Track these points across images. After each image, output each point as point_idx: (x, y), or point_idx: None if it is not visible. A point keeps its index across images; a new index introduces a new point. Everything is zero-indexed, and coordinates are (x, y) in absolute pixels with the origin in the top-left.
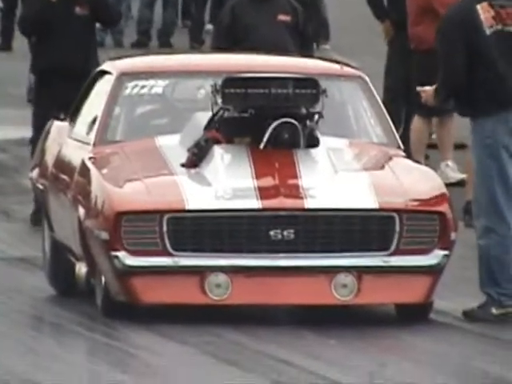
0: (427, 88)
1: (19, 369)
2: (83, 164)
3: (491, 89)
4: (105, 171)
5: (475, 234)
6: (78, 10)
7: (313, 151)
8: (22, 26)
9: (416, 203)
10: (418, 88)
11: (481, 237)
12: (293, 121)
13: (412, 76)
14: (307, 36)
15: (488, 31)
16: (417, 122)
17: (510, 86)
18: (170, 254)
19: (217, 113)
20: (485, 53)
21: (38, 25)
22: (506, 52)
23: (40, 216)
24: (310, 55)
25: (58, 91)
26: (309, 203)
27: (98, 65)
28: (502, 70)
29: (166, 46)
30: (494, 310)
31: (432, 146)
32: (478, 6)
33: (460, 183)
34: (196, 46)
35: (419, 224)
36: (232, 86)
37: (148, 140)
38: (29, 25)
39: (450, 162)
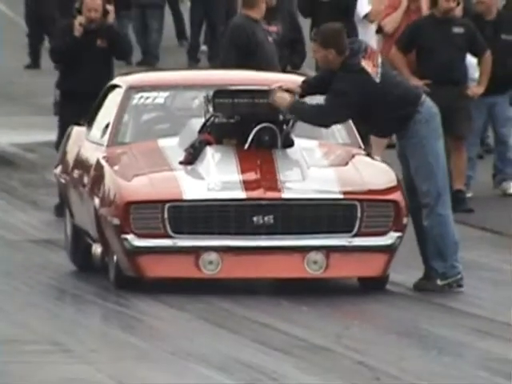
0: None
1: (45, 331)
2: (98, 162)
3: None
4: (116, 168)
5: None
6: (98, 42)
7: (288, 151)
8: (53, 57)
9: (374, 193)
10: None
11: (426, 218)
12: (272, 125)
13: None
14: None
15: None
16: None
17: None
18: (170, 237)
19: (209, 119)
20: None
21: (65, 56)
22: None
23: (63, 209)
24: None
25: (79, 107)
26: (285, 194)
27: None
28: None
29: (149, 65)
30: (438, 282)
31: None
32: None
33: None
34: (193, 64)
35: (377, 210)
36: (221, 96)
37: (151, 142)
38: (58, 56)
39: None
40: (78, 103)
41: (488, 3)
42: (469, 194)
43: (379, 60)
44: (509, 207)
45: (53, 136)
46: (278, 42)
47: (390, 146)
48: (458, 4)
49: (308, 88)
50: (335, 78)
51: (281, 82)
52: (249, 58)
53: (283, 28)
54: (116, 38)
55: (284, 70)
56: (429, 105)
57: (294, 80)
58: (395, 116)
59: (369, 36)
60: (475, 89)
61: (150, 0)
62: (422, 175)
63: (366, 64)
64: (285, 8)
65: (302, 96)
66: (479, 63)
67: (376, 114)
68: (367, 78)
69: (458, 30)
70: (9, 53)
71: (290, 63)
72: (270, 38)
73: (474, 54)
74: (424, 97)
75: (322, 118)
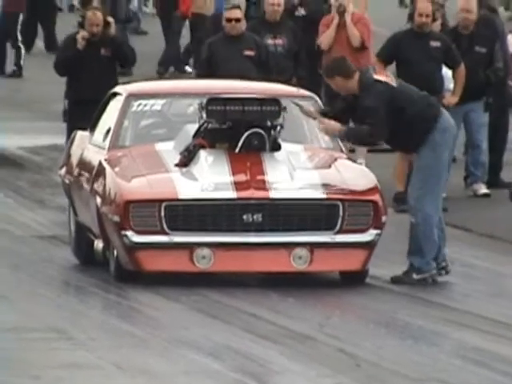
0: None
1: (50, 320)
2: (100, 164)
3: None
4: (116, 169)
5: (402, 217)
6: (102, 51)
7: (276, 154)
8: (57, 70)
9: (355, 194)
10: None
11: (413, 215)
12: (260, 131)
13: None
14: (267, 65)
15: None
16: None
17: None
18: (166, 233)
19: (202, 125)
20: None
21: (68, 68)
22: None
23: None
24: (270, 79)
25: (85, 114)
26: (273, 194)
27: None
28: None
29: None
30: (414, 276)
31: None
32: None
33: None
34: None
35: (357, 210)
36: (214, 104)
37: (149, 145)
38: (61, 68)
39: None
40: (84, 109)
41: (471, 18)
42: (443, 195)
43: (389, 73)
44: (479, 207)
45: (57, 140)
46: (284, 54)
47: (370, 151)
48: (435, 20)
49: (334, 109)
50: (359, 99)
51: (268, 90)
52: (213, 73)
53: (288, 41)
54: (119, 47)
55: (289, 81)
56: (446, 116)
57: (280, 88)
58: (418, 129)
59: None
60: (450, 98)
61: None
62: (420, 175)
63: (379, 76)
64: (288, 23)
65: (326, 115)
66: (454, 75)
67: (401, 127)
68: (385, 85)
69: (435, 43)
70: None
71: (296, 75)
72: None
73: (449, 67)
74: (442, 109)
75: (374, 136)
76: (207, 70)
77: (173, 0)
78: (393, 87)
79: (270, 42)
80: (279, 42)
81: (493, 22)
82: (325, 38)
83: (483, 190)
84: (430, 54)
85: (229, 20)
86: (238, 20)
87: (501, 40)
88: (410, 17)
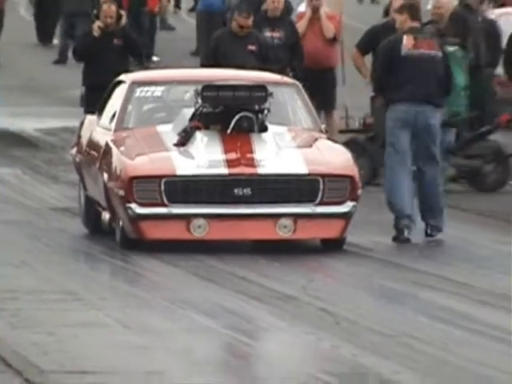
0: None
1: (63, 283)
2: (107, 144)
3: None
4: (122, 149)
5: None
6: (115, 41)
7: (263, 135)
8: (75, 57)
9: (334, 170)
10: None
11: (415, 178)
12: (249, 114)
13: None
14: (267, 58)
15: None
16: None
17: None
18: (165, 205)
19: (198, 109)
20: None
21: (85, 55)
22: None
23: None
24: (268, 69)
25: (100, 97)
26: (261, 170)
27: None
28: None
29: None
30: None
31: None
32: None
33: None
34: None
35: (336, 184)
36: (208, 90)
37: (151, 127)
38: (79, 56)
39: None
40: (99, 94)
41: (443, 13)
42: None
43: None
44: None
45: (69, 123)
46: (281, 46)
47: (341, 132)
48: None
49: None
50: None
51: (256, 77)
52: (218, 64)
53: (285, 35)
54: (129, 37)
55: (283, 70)
56: None
57: (266, 76)
58: None
59: None
60: None
61: (78, 8)
62: None
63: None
64: (286, 18)
65: None
66: None
67: None
68: None
69: None
70: (32, 51)
71: (290, 65)
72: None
73: None
74: None
75: None
76: (212, 62)
77: None
78: None
79: (267, 34)
80: (276, 34)
81: (463, 17)
82: (298, 28)
83: None
84: None
85: (241, 27)
86: (248, 27)
87: (476, 35)
88: (386, 12)
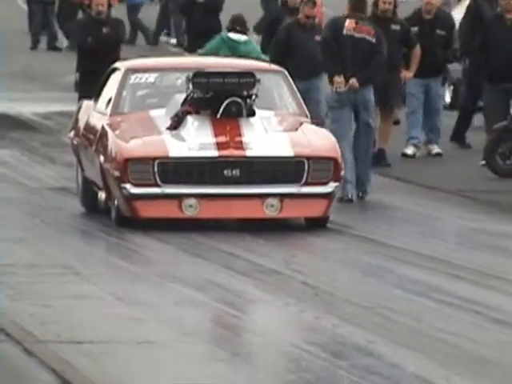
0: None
1: (60, 258)
2: (103, 128)
3: None
4: (117, 132)
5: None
6: (104, 30)
7: (251, 119)
8: (73, 36)
9: (318, 152)
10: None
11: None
12: (238, 99)
13: None
14: None
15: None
16: None
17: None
18: (158, 186)
19: (189, 94)
20: None
21: (85, 48)
22: None
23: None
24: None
25: (93, 84)
26: (249, 152)
27: None
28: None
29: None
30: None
31: None
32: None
33: None
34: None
35: (320, 166)
36: (199, 77)
37: (144, 112)
38: (84, 49)
39: None
40: (92, 79)
41: (434, 4)
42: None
43: None
44: (426, 164)
45: (65, 107)
46: None
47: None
48: (396, 7)
49: None
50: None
51: (246, 65)
52: (288, 55)
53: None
54: (117, 26)
55: None
56: None
57: (254, 64)
58: None
59: None
60: (406, 73)
61: None
62: None
63: None
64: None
65: None
66: (410, 54)
67: None
68: None
69: (395, 27)
70: (28, 39)
71: None
72: None
73: (407, 47)
74: None
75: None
76: (283, 51)
77: None
78: None
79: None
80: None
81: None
82: None
83: (436, 149)
84: (391, 36)
85: (307, 17)
86: (314, 17)
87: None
88: (375, 3)
